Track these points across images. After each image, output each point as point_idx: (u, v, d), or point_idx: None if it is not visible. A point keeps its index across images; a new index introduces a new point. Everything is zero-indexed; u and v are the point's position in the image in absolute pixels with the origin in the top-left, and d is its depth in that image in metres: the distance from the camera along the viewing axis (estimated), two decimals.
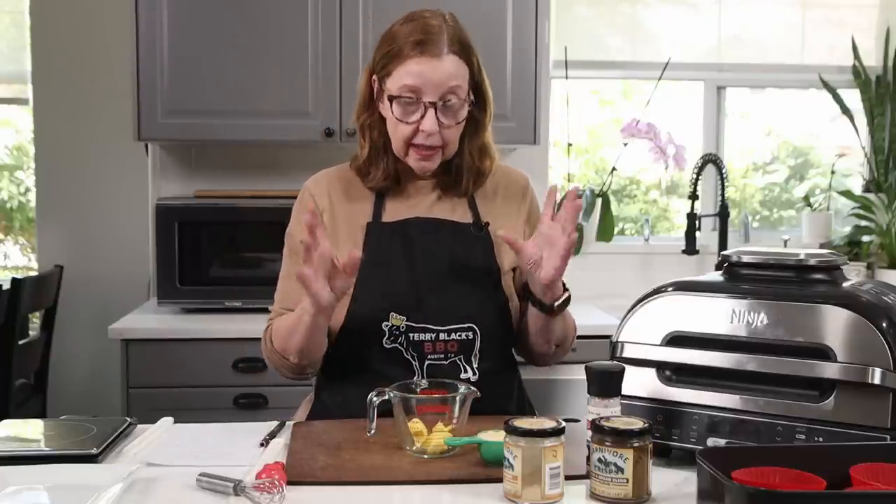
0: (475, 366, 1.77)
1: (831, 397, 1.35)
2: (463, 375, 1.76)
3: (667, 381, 1.49)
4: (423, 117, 1.73)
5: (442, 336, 1.76)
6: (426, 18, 1.75)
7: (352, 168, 1.88)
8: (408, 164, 1.81)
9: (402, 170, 1.83)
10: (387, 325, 1.75)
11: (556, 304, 1.73)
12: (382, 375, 1.71)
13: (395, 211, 1.84)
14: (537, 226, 1.75)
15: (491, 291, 1.81)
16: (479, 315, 1.78)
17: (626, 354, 1.51)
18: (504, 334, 1.83)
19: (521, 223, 1.90)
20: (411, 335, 1.75)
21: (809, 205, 3.68)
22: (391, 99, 1.74)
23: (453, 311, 1.77)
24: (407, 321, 1.75)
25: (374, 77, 1.79)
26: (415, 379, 1.71)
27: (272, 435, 1.61)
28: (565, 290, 1.75)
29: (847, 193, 3.68)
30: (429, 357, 1.75)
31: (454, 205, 1.86)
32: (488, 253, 1.83)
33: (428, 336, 1.75)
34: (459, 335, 1.76)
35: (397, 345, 1.75)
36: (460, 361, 1.77)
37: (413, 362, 1.75)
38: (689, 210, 3.40)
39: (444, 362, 1.76)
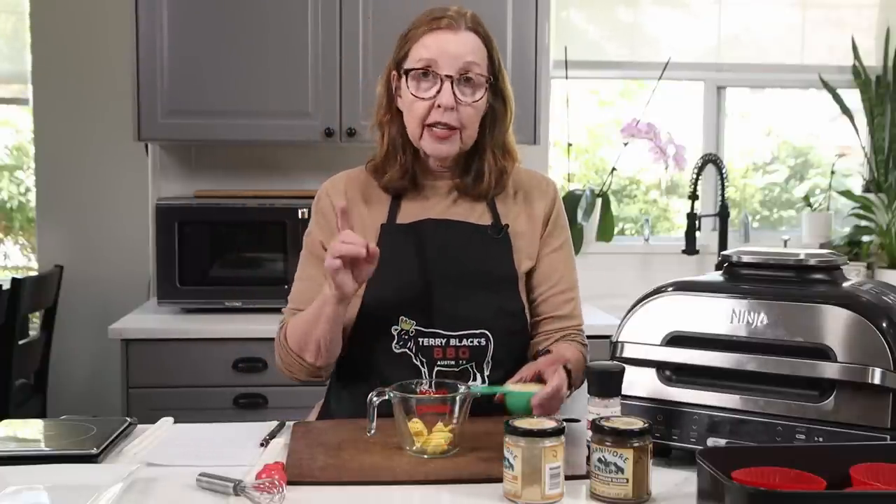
0: (486, 373, 1.73)
1: (831, 397, 1.35)
2: (472, 383, 1.70)
3: (667, 381, 1.49)
4: (439, 92, 1.69)
5: (453, 342, 1.72)
6: (446, 8, 1.75)
7: (367, 170, 1.84)
8: (425, 163, 1.78)
9: (419, 169, 1.80)
10: (396, 329, 1.72)
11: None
12: (390, 381, 1.66)
13: (411, 212, 1.80)
14: (556, 234, 1.80)
15: (507, 297, 1.76)
16: (494, 321, 1.73)
17: (626, 354, 1.51)
18: (519, 342, 1.79)
19: (538, 226, 1.83)
20: (421, 340, 1.72)
21: (809, 205, 3.68)
22: (407, 73, 1.70)
23: (466, 316, 1.72)
24: (417, 325, 1.71)
25: (394, 73, 1.76)
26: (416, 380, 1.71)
27: (272, 435, 1.61)
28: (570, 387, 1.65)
29: (847, 193, 3.68)
30: (438, 363, 1.72)
31: (472, 206, 1.81)
32: (506, 256, 1.78)
33: (438, 341, 1.72)
34: (472, 341, 1.72)
35: (406, 349, 1.72)
36: (472, 368, 1.73)
37: (422, 368, 1.72)
38: (689, 210, 3.40)
39: (455, 369, 1.72)
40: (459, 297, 1.74)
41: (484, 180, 1.79)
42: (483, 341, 1.73)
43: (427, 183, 1.82)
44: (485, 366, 1.73)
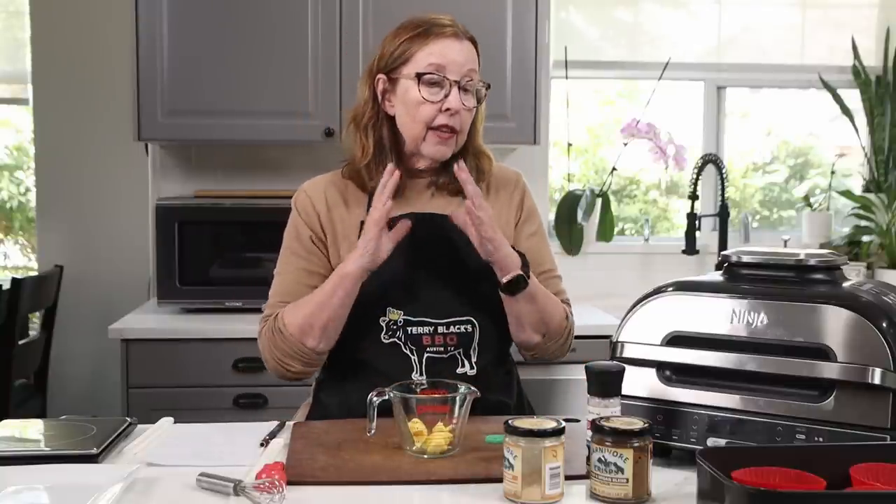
0: (474, 360, 1.78)
1: (831, 397, 1.35)
2: (460, 370, 1.76)
3: (667, 381, 1.49)
4: (447, 96, 1.75)
5: (441, 329, 1.77)
6: (435, 15, 1.80)
7: (344, 176, 1.88)
8: (409, 163, 1.82)
9: (403, 169, 1.82)
10: (384, 320, 1.76)
11: (505, 280, 1.72)
12: (380, 371, 1.73)
13: (392, 209, 1.82)
14: (531, 219, 1.89)
15: (487, 285, 1.80)
16: (478, 308, 1.80)
17: (626, 354, 1.51)
18: (500, 328, 1.84)
19: (512, 216, 1.91)
20: (409, 329, 1.76)
21: (809, 205, 3.68)
22: (418, 77, 1.75)
23: (452, 303, 1.78)
24: (405, 315, 1.75)
25: (381, 77, 1.80)
26: (414, 376, 1.72)
27: (272, 435, 1.61)
28: (527, 274, 1.74)
29: (847, 193, 3.68)
30: (428, 350, 1.76)
31: (448, 202, 1.86)
32: None
33: (427, 329, 1.76)
34: (459, 328, 1.78)
35: (395, 339, 1.76)
36: (459, 355, 1.78)
37: (412, 357, 1.76)
38: (689, 210, 3.40)
39: (444, 356, 1.76)
40: (444, 286, 1.79)
41: None
42: (469, 328, 1.79)
43: (406, 181, 1.85)
44: (472, 352, 1.79)
